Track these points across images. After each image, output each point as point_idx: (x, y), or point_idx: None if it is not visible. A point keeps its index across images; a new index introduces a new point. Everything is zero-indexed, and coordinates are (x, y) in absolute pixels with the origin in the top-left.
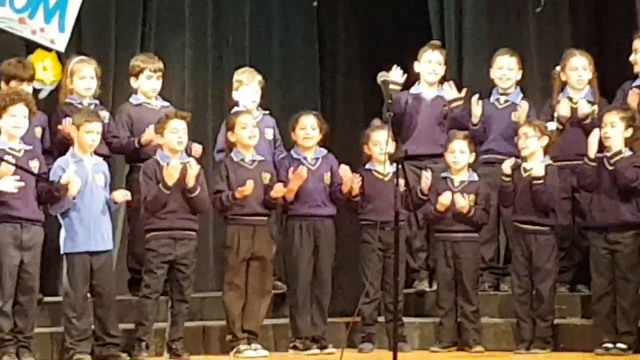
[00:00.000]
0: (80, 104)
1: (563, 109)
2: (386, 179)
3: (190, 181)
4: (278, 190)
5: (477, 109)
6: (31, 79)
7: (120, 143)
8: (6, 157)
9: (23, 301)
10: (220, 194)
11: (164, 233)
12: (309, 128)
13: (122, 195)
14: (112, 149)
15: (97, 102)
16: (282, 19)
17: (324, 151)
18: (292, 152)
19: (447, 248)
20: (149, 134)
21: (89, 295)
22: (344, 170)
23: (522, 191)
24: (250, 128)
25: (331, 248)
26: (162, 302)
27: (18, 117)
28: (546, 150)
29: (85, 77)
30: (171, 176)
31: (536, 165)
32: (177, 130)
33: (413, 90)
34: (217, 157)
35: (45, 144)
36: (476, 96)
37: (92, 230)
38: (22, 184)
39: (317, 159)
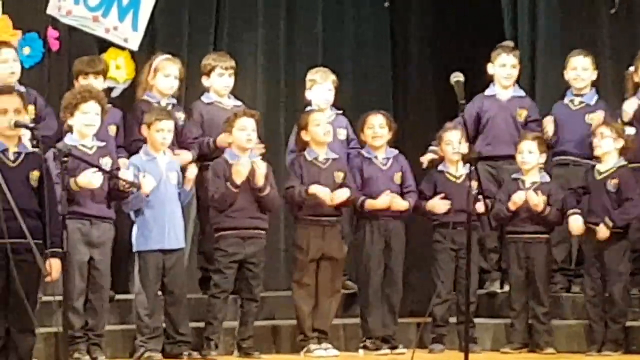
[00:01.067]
0: (158, 102)
1: (629, 106)
2: (459, 180)
3: (260, 180)
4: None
5: (549, 127)
6: (103, 74)
7: (199, 144)
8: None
9: (93, 298)
10: (292, 189)
11: (232, 232)
12: (377, 127)
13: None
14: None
15: (174, 101)
16: (355, 18)
17: (395, 151)
18: (363, 151)
19: (519, 249)
20: (225, 136)
21: (160, 293)
22: None
23: (595, 193)
24: (324, 125)
25: (402, 248)
26: (232, 301)
27: (90, 114)
28: (621, 154)
29: (169, 75)
30: (240, 174)
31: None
32: (245, 128)
33: (488, 92)
34: (288, 158)
35: (119, 141)
36: (550, 118)
37: (165, 228)
38: (99, 179)
39: (388, 158)
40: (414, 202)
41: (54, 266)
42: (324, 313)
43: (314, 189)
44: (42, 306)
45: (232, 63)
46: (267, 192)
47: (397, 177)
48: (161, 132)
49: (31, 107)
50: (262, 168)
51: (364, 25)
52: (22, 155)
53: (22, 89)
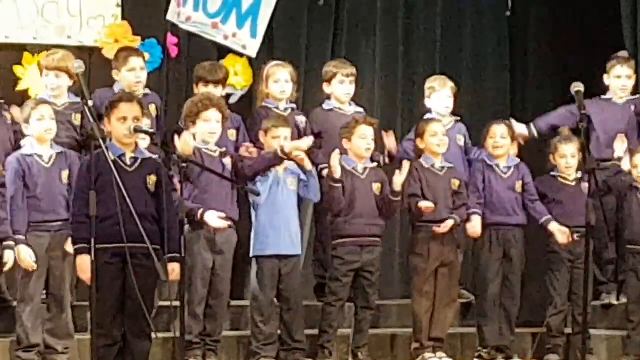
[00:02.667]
0: (277, 107)
1: None
2: (573, 184)
3: (397, 186)
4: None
5: None
6: (223, 82)
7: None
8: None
9: (213, 304)
10: (415, 199)
11: (350, 240)
12: (498, 137)
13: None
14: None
15: (293, 106)
16: (474, 26)
17: (517, 160)
18: (486, 158)
19: (638, 261)
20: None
21: (275, 299)
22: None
23: None
24: (440, 136)
25: (521, 258)
26: (347, 309)
27: (212, 122)
28: None
29: (279, 80)
30: (335, 170)
31: None
32: (365, 137)
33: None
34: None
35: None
36: None
37: (283, 234)
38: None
39: (509, 167)
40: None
41: (175, 270)
42: (440, 321)
43: (426, 208)
44: (160, 311)
45: (353, 70)
46: (399, 199)
47: (518, 186)
48: (278, 139)
49: (152, 106)
50: (403, 176)
51: (483, 34)
52: (139, 160)
53: (147, 91)
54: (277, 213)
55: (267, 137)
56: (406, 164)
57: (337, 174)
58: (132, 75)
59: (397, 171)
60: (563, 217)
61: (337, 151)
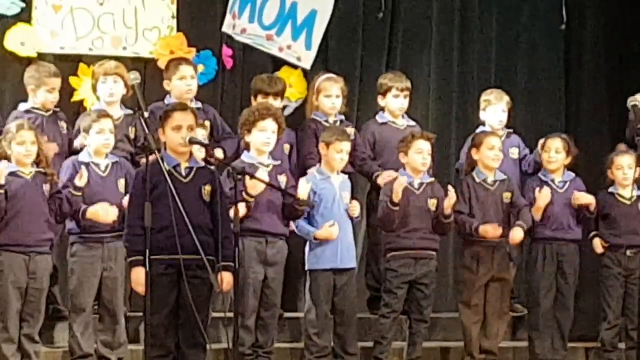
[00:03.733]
0: (326, 120)
1: None
2: (630, 203)
3: (447, 209)
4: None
5: None
6: (281, 94)
7: (364, 164)
8: (258, 173)
9: (265, 316)
10: (462, 217)
11: (404, 253)
12: (552, 151)
13: (357, 209)
14: (356, 168)
15: (342, 117)
16: (528, 40)
17: (572, 175)
18: (540, 173)
19: None
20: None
21: (329, 312)
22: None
23: None
24: (496, 151)
25: (575, 273)
26: (400, 321)
27: (267, 132)
28: None
29: (331, 95)
30: (396, 193)
31: None
32: (422, 151)
33: None
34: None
35: (293, 161)
36: None
37: (338, 247)
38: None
39: (565, 182)
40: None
41: (226, 279)
42: (492, 335)
43: (483, 229)
44: (212, 322)
45: (408, 84)
46: (451, 220)
47: (573, 200)
48: (340, 153)
49: (207, 123)
50: (452, 197)
51: (538, 48)
52: (194, 170)
53: (199, 105)
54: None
55: (330, 150)
56: (452, 190)
57: (398, 198)
58: (183, 84)
59: (448, 194)
60: (615, 233)
61: (405, 178)
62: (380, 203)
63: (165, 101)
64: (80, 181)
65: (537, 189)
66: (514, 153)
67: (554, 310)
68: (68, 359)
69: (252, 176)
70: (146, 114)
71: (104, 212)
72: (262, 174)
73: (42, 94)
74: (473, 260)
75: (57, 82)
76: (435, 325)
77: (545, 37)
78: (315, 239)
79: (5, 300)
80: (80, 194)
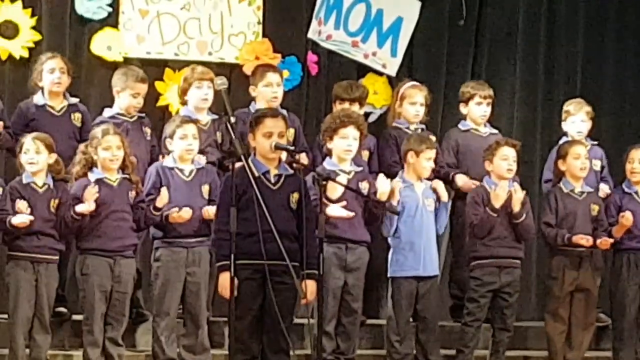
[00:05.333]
0: (408, 128)
1: None
2: None
3: (516, 206)
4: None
5: None
6: (360, 100)
7: (444, 172)
8: (339, 178)
9: (346, 323)
10: (550, 229)
11: (489, 261)
12: (636, 162)
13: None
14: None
15: (423, 126)
16: (615, 49)
17: None
18: (624, 185)
19: None
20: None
21: (411, 319)
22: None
23: None
24: (582, 159)
25: None
26: (483, 330)
27: (349, 139)
28: None
29: (415, 102)
30: (498, 198)
31: None
32: (507, 157)
33: None
34: (544, 187)
35: (372, 167)
36: None
37: (422, 255)
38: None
39: None
40: None
41: (310, 288)
42: (576, 345)
43: (578, 239)
44: (293, 328)
45: (491, 92)
46: (523, 219)
47: None
48: (429, 160)
49: (291, 130)
50: (519, 194)
51: (625, 58)
52: (283, 178)
53: (284, 112)
54: (416, 234)
55: (420, 158)
56: (518, 187)
57: (499, 204)
58: (269, 91)
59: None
60: None
61: (506, 182)
62: (472, 210)
63: (251, 107)
64: (160, 202)
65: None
66: (597, 165)
67: (638, 321)
68: None
69: (339, 182)
70: (232, 120)
71: (186, 215)
72: (342, 181)
73: (126, 97)
74: (559, 270)
75: (142, 87)
76: (518, 334)
77: (632, 46)
78: None
79: (91, 303)
80: (158, 214)
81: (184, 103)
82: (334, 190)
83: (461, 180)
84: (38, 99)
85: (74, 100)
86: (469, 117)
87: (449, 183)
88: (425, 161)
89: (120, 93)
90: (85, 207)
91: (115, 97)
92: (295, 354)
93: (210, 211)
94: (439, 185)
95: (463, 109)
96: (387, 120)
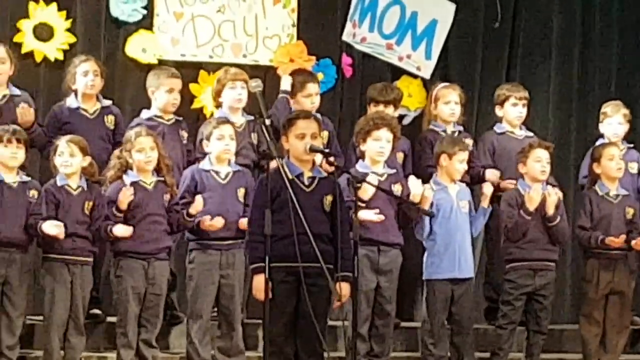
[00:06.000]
0: (444, 130)
1: None
2: None
3: (550, 209)
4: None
5: None
6: (394, 103)
7: (477, 172)
8: (371, 180)
9: (379, 325)
10: (585, 232)
11: (523, 264)
12: None
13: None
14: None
15: (460, 128)
16: None
17: None
18: None
19: None
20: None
21: (446, 322)
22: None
23: None
24: (617, 160)
25: None
26: (518, 333)
27: (382, 141)
28: None
29: (449, 102)
30: (532, 201)
31: None
32: (540, 160)
33: None
34: (581, 181)
35: (407, 169)
36: None
37: (456, 257)
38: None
39: None
40: None
41: (344, 290)
42: (611, 348)
43: (612, 242)
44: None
45: (526, 94)
46: (557, 222)
47: None
48: (462, 162)
49: (325, 133)
50: (553, 197)
51: None
52: (317, 180)
53: (318, 116)
54: (451, 236)
55: (453, 160)
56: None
57: (533, 207)
58: (308, 101)
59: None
60: None
61: (539, 185)
62: (506, 212)
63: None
64: (194, 209)
65: None
66: (634, 168)
67: None
68: None
69: (372, 184)
70: (267, 122)
71: (218, 225)
72: (375, 183)
73: (162, 95)
74: (593, 273)
75: (176, 82)
76: (552, 337)
77: None
78: None
79: (125, 305)
80: (192, 220)
81: (219, 105)
82: (366, 191)
83: (490, 173)
84: (71, 101)
85: (107, 102)
86: (505, 119)
87: (481, 181)
88: (458, 163)
89: (156, 92)
90: (123, 231)
91: (152, 99)
92: (329, 357)
93: (245, 223)
94: (489, 190)
95: (499, 111)
96: (423, 123)
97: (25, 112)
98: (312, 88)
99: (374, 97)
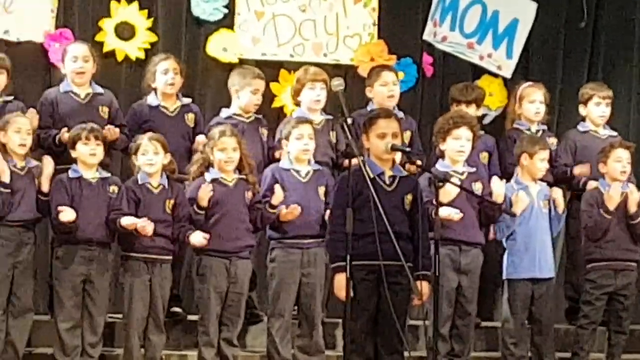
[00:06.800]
0: (528, 129)
1: None
2: None
3: (632, 207)
4: None
5: None
6: (476, 102)
7: (562, 170)
8: (452, 179)
9: (460, 325)
10: None
11: (604, 264)
12: None
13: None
14: (556, 177)
15: (544, 127)
16: None
17: None
18: None
19: None
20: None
21: (526, 321)
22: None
23: None
24: None
25: None
26: (599, 333)
27: (461, 140)
28: None
29: (534, 101)
30: (612, 200)
31: None
32: (621, 159)
33: None
34: None
35: (493, 169)
36: None
37: (537, 257)
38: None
39: None
40: None
41: (424, 289)
42: None
43: None
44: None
45: (610, 93)
46: (639, 220)
47: None
48: (543, 161)
49: (407, 133)
50: (635, 194)
51: None
52: (397, 179)
53: (401, 114)
54: (532, 236)
55: (534, 159)
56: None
57: (613, 206)
58: (385, 90)
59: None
60: None
61: (619, 184)
62: (586, 212)
63: (368, 108)
64: (276, 200)
65: None
66: None
67: None
68: None
69: (453, 184)
70: (349, 120)
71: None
72: (455, 182)
73: (246, 95)
74: None
75: (261, 84)
76: (634, 337)
77: None
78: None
79: (206, 304)
80: (275, 211)
81: (297, 104)
82: (446, 196)
83: (578, 169)
84: (152, 99)
85: (187, 100)
86: (588, 118)
87: (567, 180)
88: (540, 162)
89: (240, 92)
90: (199, 239)
91: (233, 97)
92: (410, 356)
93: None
94: (559, 194)
95: (582, 110)
96: (506, 122)
97: (111, 132)
98: (388, 76)
99: (455, 97)
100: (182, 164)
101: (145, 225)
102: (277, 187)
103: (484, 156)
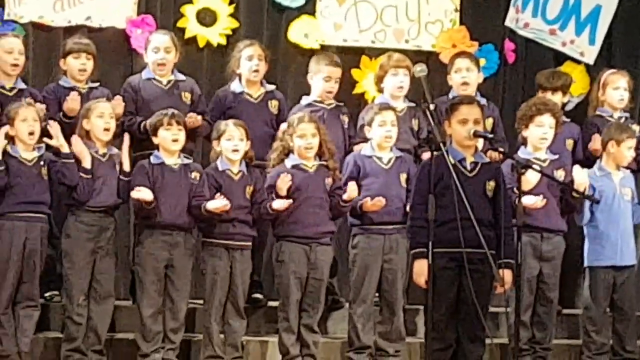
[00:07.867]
0: (611, 116)
1: None
2: None
3: None
4: None
5: None
6: (562, 89)
7: None
8: (534, 166)
9: (541, 312)
10: None
11: None
12: None
13: None
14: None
15: (627, 115)
16: None
17: None
18: None
19: None
20: None
21: (608, 309)
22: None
23: None
24: None
25: None
26: None
27: (544, 127)
28: None
29: (619, 88)
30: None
31: None
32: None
33: None
34: None
35: (577, 155)
36: None
37: (619, 244)
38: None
39: None
40: None
41: (506, 277)
42: None
43: None
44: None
45: None
46: None
47: None
48: (630, 149)
49: (489, 120)
50: None
51: None
52: (479, 165)
53: (483, 101)
54: (613, 223)
55: (621, 147)
56: None
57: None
58: (458, 77)
59: None
60: None
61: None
62: None
63: (450, 95)
64: (347, 196)
65: None
66: None
67: None
68: (346, 349)
69: (536, 170)
70: (432, 107)
71: (380, 204)
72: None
73: (319, 81)
74: None
75: (334, 71)
76: None
77: None
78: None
79: (286, 290)
80: (347, 205)
81: (380, 91)
82: (527, 184)
83: None
84: (235, 86)
85: (271, 87)
86: None
87: None
88: (627, 150)
89: (314, 77)
90: (282, 203)
91: (311, 84)
92: (492, 343)
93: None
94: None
95: None
96: (589, 109)
97: (193, 120)
98: (461, 63)
99: (541, 84)
100: (265, 151)
101: (227, 204)
102: (351, 185)
103: (569, 143)
